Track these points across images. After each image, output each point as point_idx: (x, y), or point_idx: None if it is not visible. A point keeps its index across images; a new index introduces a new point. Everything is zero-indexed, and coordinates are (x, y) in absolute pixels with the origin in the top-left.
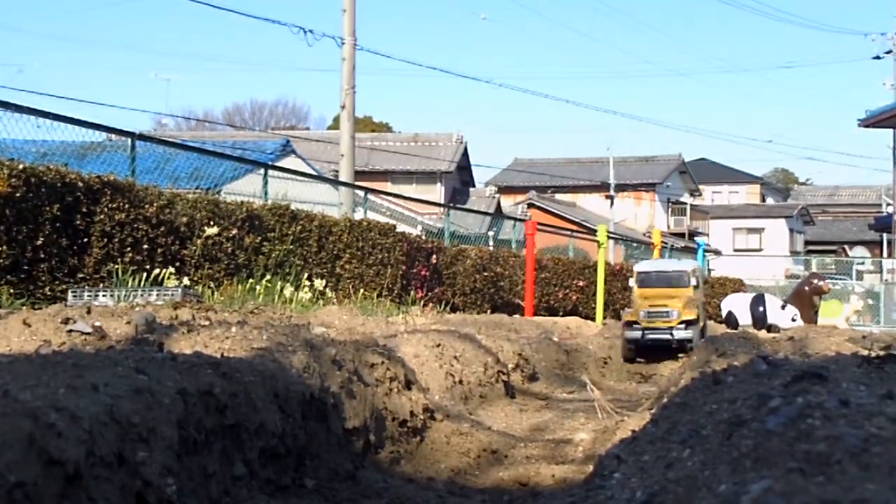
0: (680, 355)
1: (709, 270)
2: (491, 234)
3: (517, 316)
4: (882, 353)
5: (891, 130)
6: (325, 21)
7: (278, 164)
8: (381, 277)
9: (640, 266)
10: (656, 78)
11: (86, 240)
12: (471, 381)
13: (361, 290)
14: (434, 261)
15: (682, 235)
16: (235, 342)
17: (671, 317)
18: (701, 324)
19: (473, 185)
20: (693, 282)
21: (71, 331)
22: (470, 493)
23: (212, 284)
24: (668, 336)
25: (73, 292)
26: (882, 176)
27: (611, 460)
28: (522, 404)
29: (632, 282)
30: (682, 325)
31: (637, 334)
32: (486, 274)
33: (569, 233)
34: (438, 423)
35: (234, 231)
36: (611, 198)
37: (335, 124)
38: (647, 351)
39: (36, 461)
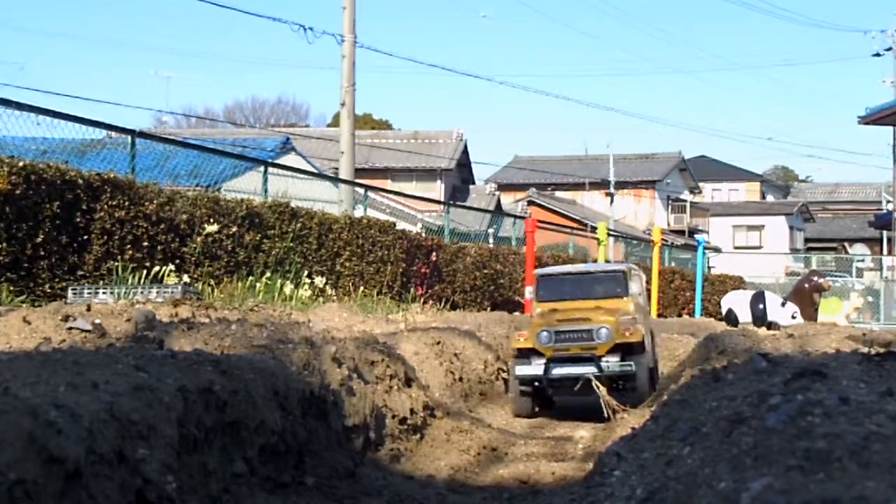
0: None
1: (709, 268)
2: (491, 231)
3: (517, 313)
4: (882, 350)
5: (891, 128)
6: (325, 19)
7: (278, 161)
8: (381, 275)
9: (544, 270)
10: (656, 75)
11: (86, 237)
12: (471, 378)
13: (361, 288)
14: (434, 258)
15: (682, 233)
16: (235, 340)
17: (597, 338)
18: (648, 354)
19: (473, 183)
20: (633, 289)
21: (71, 328)
22: (470, 490)
23: (212, 282)
24: (592, 369)
25: (73, 290)
26: (882, 173)
27: (611, 458)
28: None
29: (528, 292)
30: (617, 354)
31: (536, 370)
32: (486, 271)
33: (569, 230)
34: (438, 420)
35: (235, 228)
36: (611, 195)
37: (335, 122)
38: (552, 398)
39: (36, 459)
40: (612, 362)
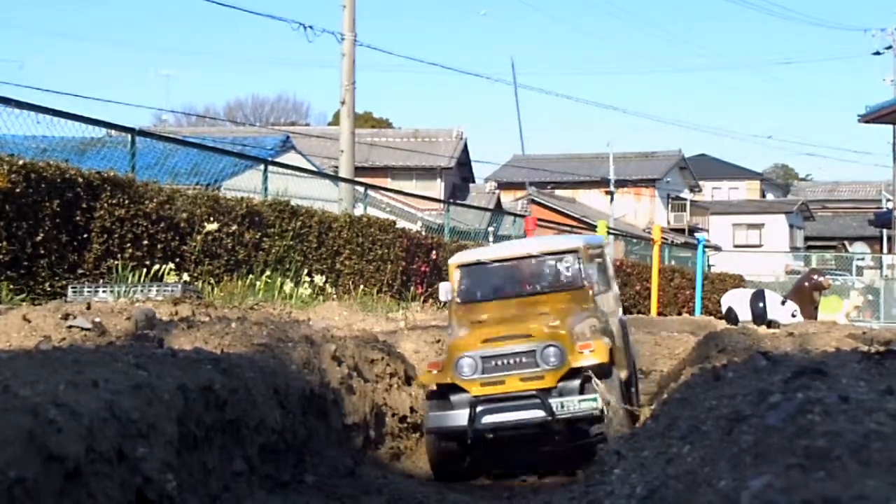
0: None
1: (709, 266)
2: (491, 230)
3: None
4: (882, 349)
5: (891, 126)
6: (325, 17)
7: (278, 160)
8: (380, 273)
9: (465, 255)
10: (656, 74)
11: (86, 236)
12: None
13: (361, 286)
14: (434, 257)
15: (682, 231)
16: (235, 338)
17: (543, 362)
18: (625, 375)
19: (473, 181)
20: (593, 275)
21: (71, 327)
22: (470, 488)
23: (212, 280)
24: (539, 413)
25: (72, 288)
26: (882, 172)
27: (611, 456)
28: None
29: (444, 291)
30: (574, 381)
31: (457, 419)
32: None
33: (569, 228)
34: None
35: (234, 227)
36: (611, 194)
37: (335, 120)
38: (490, 456)
39: (36, 457)
40: (567, 400)
